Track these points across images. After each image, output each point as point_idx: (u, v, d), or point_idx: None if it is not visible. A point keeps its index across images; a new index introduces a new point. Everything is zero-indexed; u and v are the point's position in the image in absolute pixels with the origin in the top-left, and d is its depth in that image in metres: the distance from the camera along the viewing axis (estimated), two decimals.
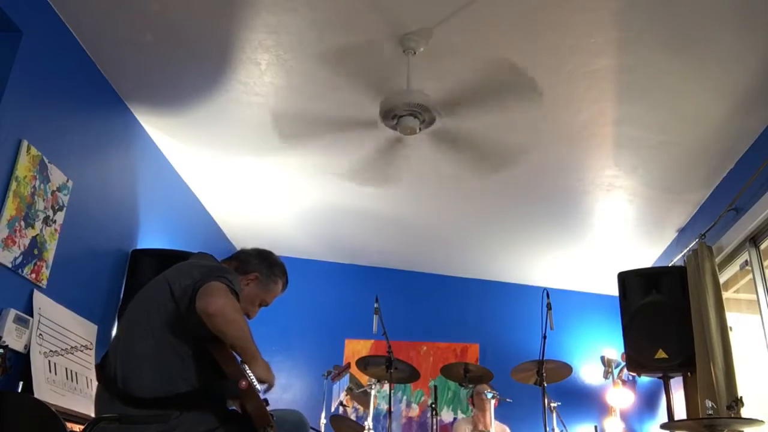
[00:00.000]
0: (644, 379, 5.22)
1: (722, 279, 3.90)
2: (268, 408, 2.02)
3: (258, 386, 2.02)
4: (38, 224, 3.07)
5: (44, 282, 3.12)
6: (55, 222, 3.21)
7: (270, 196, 5.04)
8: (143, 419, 1.91)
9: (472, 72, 3.34)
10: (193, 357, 2.00)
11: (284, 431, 2.16)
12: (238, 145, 4.30)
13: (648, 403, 5.35)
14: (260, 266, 2.37)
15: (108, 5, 3.12)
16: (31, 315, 2.98)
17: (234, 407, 2.09)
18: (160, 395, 1.94)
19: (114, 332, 2.16)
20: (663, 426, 3.39)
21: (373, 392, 4.37)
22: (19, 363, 2.88)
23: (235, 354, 2.01)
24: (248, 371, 1.99)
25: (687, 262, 3.95)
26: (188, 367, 2.00)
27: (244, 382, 1.92)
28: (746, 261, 3.74)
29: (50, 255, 3.17)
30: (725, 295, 3.83)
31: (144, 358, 1.99)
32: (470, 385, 4.38)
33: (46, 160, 3.14)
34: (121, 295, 3.93)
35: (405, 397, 5.74)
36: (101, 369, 2.08)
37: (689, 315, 3.77)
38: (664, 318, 3.90)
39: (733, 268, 3.96)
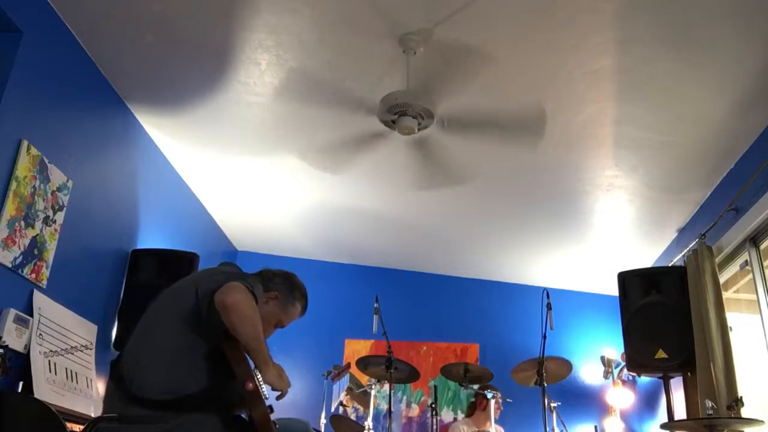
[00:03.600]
0: (644, 379, 5.22)
1: (722, 279, 3.90)
2: (273, 414, 2.02)
3: (265, 391, 2.02)
4: (38, 224, 3.07)
5: (44, 282, 3.12)
6: (55, 222, 3.21)
7: (270, 196, 5.04)
8: (143, 419, 1.91)
9: (472, 72, 3.34)
10: (205, 357, 2.02)
11: None
12: (238, 145, 4.30)
13: (648, 403, 5.35)
14: (281, 287, 2.39)
15: (108, 5, 3.12)
16: (31, 315, 2.98)
17: (242, 415, 2.09)
18: (167, 396, 1.94)
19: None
20: (663, 426, 3.39)
21: (373, 392, 4.37)
22: (19, 363, 2.88)
23: (248, 358, 2.02)
24: (258, 377, 2.00)
25: (687, 262, 3.95)
26: (200, 366, 2.01)
27: (251, 384, 1.93)
28: (746, 261, 3.74)
29: (50, 255, 3.17)
30: (725, 295, 3.83)
31: (156, 353, 2.02)
32: (470, 386, 4.38)
33: (46, 160, 3.14)
34: (121, 295, 3.93)
35: (405, 397, 5.74)
36: (114, 366, 2.10)
37: (689, 315, 3.77)
38: (664, 318, 3.90)
39: (733, 268, 3.96)
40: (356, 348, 5.82)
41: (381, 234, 5.54)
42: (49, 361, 3.03)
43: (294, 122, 3.97)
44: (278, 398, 2.15)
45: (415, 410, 5.71)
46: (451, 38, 3.14)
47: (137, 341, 2.10)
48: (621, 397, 5.22)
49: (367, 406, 4.40)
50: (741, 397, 3.29)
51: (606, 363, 5.27)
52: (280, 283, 2.39)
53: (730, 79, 3.19)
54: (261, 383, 2.01)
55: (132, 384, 1.97)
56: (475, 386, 4.39)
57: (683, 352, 3.74)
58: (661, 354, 3.81)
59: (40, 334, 3.01)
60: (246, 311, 1.96)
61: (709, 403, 3.30)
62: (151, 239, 4.31)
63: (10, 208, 2.87)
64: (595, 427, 5.03)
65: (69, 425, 2.61)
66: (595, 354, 5.54)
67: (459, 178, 4.43)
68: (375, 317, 4.24)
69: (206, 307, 2.01)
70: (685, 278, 3.91)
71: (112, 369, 2.11)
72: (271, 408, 2.01)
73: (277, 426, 2.02)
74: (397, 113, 3.18)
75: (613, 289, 4.33)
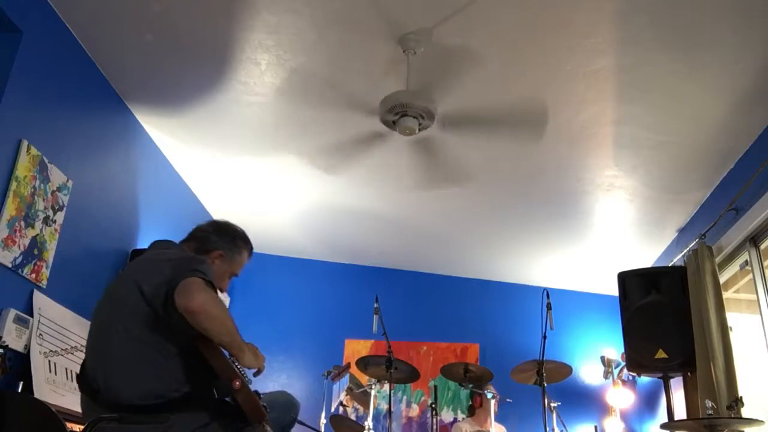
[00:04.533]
0: (644, 379, 5.22)
1: (722, 279, 3.90)
2: (258, 394, 2.01)
3: (248, 376, 2.01)
4: (38, 224, 3.07)
5: (44, 282, 3.12)
6: (55, 222, 3.21)
7: (270, 196, 5.04)
8: (143, 420, 1.91)
9: (472, 72, 3.34)
10: (179, 355, 1.96)
11: (276, 413, 2.15)
12: (238, 145, 4.30)
13: (648, 403, 5.35)
14: (221, 242, 2.29)
15: (108, 5, 3.12)
16: (31, 315, 2.98)
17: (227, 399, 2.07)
18: (151, 402, 1.90)
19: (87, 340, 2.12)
20: (663, 426, 3.39)
21: (373, 392, 4.37)
22: (19, 363, 2.88)
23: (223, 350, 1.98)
24: (237, 365, 1.97)
25: (687, 262, 3.94)
26: (176, 365, 1.96)
27: (237, 382, 1.89)
28: (746, 261, 3.73)
29: (50, 255, 3.17)
30: (725, 295, 3.82)
31: (126, 362, 1.94)
32: (470, 386, 4.38)
33: (46, 160, 3.14)
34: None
35: (405, 397, 5.73)
36: (81, 381, 2.02)
37: (689, 315, 3.77)
38: (664, 318, 3.90)
39: (733, 268, 3.96)
40: (356, 348, 5.81)
41: (381, 234, 5.54)
42: (49, 361, 3.03)
43: (294, 122, 3.97)
44: (255, 375, 2.09)
45: (415, 410, 5.71)
46: (451, 38, 3.14)
47: (99, 354, 2.00)
48: (621, 397, 5.22)
49: (367, 406, 4.40)
50: (741, 397, 3.29)
51: (606, 363, 5.27)
52: (217, 240, 2.28)
53: (730, 79, 3.19)
54: (242, 371, 1.98)
55: (110, 396, 1.91)
56: (472, 386, 4.40)
57: (683, 352, 3.74)
58: (661, 354, 3.81)
59: (40, 334, 3.01)
60: (213, 311, 1.87)
61: (709, 403, 3.30)
62: (150, 239, 4.26)
63: (10, 208, 2.87)
64: (595, 427, 5.02)
65: (69, 425, 2.61)
66: (595, 354, 5.54)
67: (459, 179, 4.43)
68: (375, 317, 4.24)
69: (162, 308, 1.91)
70: (685, 278, 3.91)
71: (80, 384, 2.03)
72: (257, 392, 1.99)
73: (264, 405, 1.97)
74: (398, 113, 3.17)
75: (613, 289, 4.33)
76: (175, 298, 1.85)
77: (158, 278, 1.95)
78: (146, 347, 1.95)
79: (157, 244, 2.27)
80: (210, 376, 1.98)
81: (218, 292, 2.03)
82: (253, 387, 2.00)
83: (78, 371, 2.09)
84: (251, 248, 2.40)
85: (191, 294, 1.85)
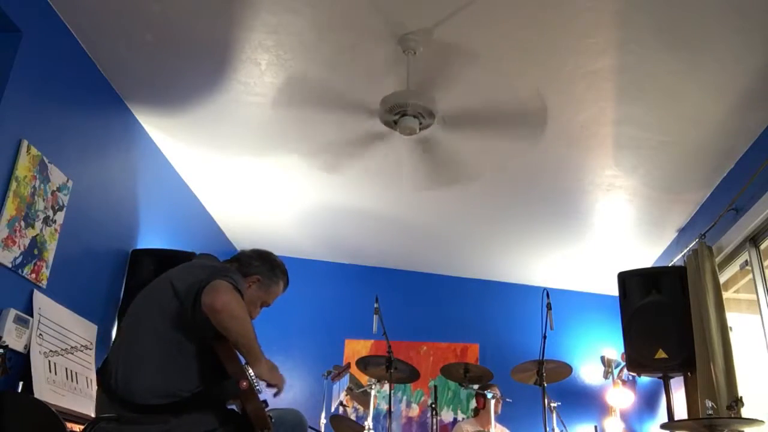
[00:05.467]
0: (644, 379, 5.22)
1: (722, 279, 3.90)
2: (267, 408, 2.02)
3: (259, 386, 2.02)
4: (38, 224, 3.07)
5: (44, 282, 3.12)
6: (55, 222, 3.21)
7: (270, 196, 5.04)
8: (142, 420, 1.91)
9: (473, 72, 3.34)
10: (196, 355, 2.01)
11: (283, 430, 2.16)
12: (238, 145, 4.30)
13: (648, 403, 5.35)
14: (261, 268, 2.38)
15: (108, 5, 3.12)
16: (31, 315, 2.98)
17: (234, 407, 2.09)
18: (162, 401, 1.93)
19: (114, 336, 2.13)
20: (663, 426, 3.39)
21: (373, 392, 4.37)
22: (19, 363, 2.88)
23: (240, 355, 2.01)
24: (250, 372, 2.00)
25: (687, 262, 3.94)
26: (191, 365, 2.00)
27: (245, 383, 1.93)
28: (746, 261, 3.74)
29: (50, 255, 3.17)
30: (725, 295, 3.83)
31: (146, 357, 2.00)
32: (471, 386, 4.38)
33: (46, 160, 3.14)
34: (121, 295, 3.93)
35: (405, 397, 5.74)
36: (101, 374, 2.07)
37: (689, 315, 3.77)
38: (664, 318, 3.90)
39: (733, 268, 3.96)
40: (356, 348, 5.82)
41: (381, 234, 5.54)
42: (49, 361, 3.03)
43: (294, 122, 3.96)
44: (275, 395, 2.13)
45: (415, 410, 5.71)
46: (451, 38, 3.14)
47: (123, 348, 2.07)
48: (621, 397, 5.22)
49: (367, 406, 4.40)
50: (741, 397, 3.29)
51: (606, 363, 5.28)
52: (259, 265, 2.38)
53: (730, 79, 3.19)
54: (254, 379, 2.00)
55: (125, 391, 1.96)
56: (475, 386, 4.39)
57: (683, 352, 3.74)
58: (661, 354, 3.81)
59: (40, 334, 3.01)
60: (236, 312, 1.94)
61: (709, 403, 3.30)
62: (150, 239, 4.31)
63: (10, 208, 2.87)
64: (595, 427, 5.03)
65: (69, 425, 2.61)
66: (595, 354, 5.54)
67: (459, 179, 4.43)
68: (375, 317, 4.25)
69: (191, 307, 1.99)
70: (685, 278, 3.91)
71: (99, 376, 2.09)
72: (265, 402, 2.01)
73: (272, 419, 2.01)
74: (398, 113, 3.17)
75: (613, 289, 4.33)
76: (201, 296, 1.94)
77: (192, 279, 2.05)
78: (169, 344, 2.01)
79: (201, 255, 2.42)
80: (222, 377, 2.00)
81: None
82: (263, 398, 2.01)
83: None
84: (287, 281, 2.49)
85: (217, 293, 1.93)
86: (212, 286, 1.95)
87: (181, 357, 2.00)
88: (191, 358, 2.01)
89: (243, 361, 2.02)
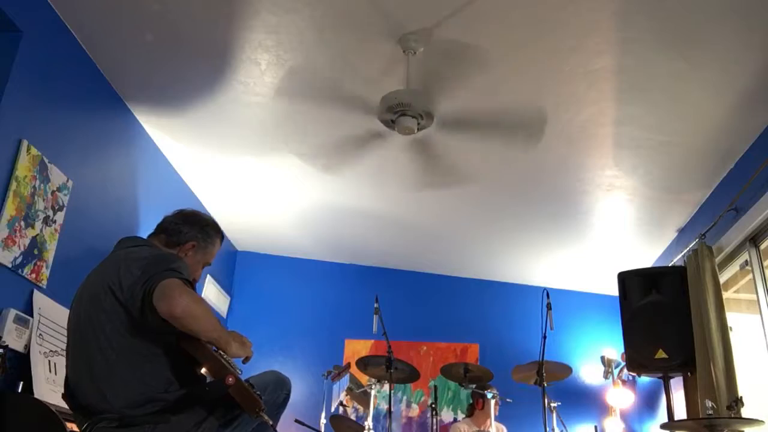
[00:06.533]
0: (644, 379, 5.22)
1: (722, 279, 3.90)
2: (248, 381, 1.99)
3: (235, 364, 2.00)
4: (38, 224, 3.07)
5: (44, 282, 3.12)
6: (55, 222, 3.21)
7: (270, 196, 5.04)
8: (143, 420, 1.90)
9: (472, 72, 3.34)
10: (165, 355, 1.93)
11: (268, 394, 2.12)
12: (238, 145, 4.30)
13: (648, 403, 5.35)
14: (193, 232, 2.25)
15: (108, 5, 3.12)
16: (31, 315, 2.98)
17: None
18: (147, 409, 1.87)
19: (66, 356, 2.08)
20: (663, 426, 3.39)
21: (373, 392, 4.37)
22: (19, 363, 2.88)
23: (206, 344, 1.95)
24: (225, 357, 1.96)
25: (687, 262, 3.94)
26: (163, 366, 1.92)
27: (230, 378, 1.86)
28: (746, 261, 3.73)
29: (50, 255, 3.17)
30: (725, 295, 3.82)
31: (113, 375, 1.89)
32: (471, 386, 4.38)
33: (46, 160, 3.14)
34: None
35: (405, 397, 5.73)
36: (70, 398, 1.97)
37: (689, 315, 3.77)
38: (664, 318, 3.90)
39: (733, 268, 3.96)
40: (356, 348, 5.81)
41: (381, 234, 5.54)
42: (49, 361, 3.03)
43: (294, 122, 3.96)
44: (244, 362, 2.07)
45: (415, 410, 5.71)
46: (450, 38, 3.14)
47: (82, 371, 1.94)
48: (621, 397, 5.22)
49: (367, 406, 4.40)
50: (741, 397, 3.29)
51: (606, 363, 5.27)
52: (189, 230, 2.24)
53: (730, 79, 3.19)
54: (230, 362, 1.96)
55: (106, 406, 1.88)
56: (473, 386, 4.39)
57: (683, 352, 3.74)
58: (661, 354, 3.81)
59: (40, 334, 3.01)
60: (197, 312, 1.83)
61: (709, 403, 3.30)
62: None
63: (10, 208, 2.87)
64: (595, 427, 5.03)
65: (69, 425, 2.61)
66: (595, 354, 5.54)
67: (459, 179, 4.43)
68: (375, 317, 4.24)
69: (139, 312, 1.87)
70: (685, 278, 3.91)
71: (69, 401, 1.97)
72: (248, 381, 1.97)
73: (254, 387, 1.94)
74: (397, 113, 3.17)
75: (613, 289, 4.33)
76: (155, 304, 1.80)
77: (130, 280, 1.90)
78: (129, 353, 1.90)
79: (124, 242, 2.20)
80: (197, 370, 1.96)
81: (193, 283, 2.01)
82: (243, 376, 1.98)
83: (63, 388, 2.04)
84: (222, 236, 2.38)
85: (173, 299, 1.79)
86: (162, 290, 1.81)
87: (148, 362, 1.91)
88: (159, 359, 1.92)
89: (214, 348, 1.95)
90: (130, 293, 1.89)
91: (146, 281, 1.86)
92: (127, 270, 1.94)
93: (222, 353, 1.96)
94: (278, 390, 2.23)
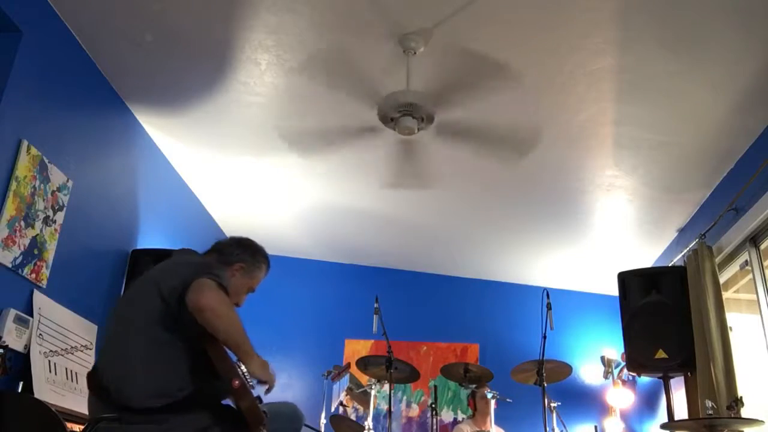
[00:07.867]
0: (644, 379, 5.22)
1: (722, 279, 3.90)
2: (262, 404, 2.02)
3: (252, 382, 2.01)
4: (38, 224, 3.07)
5: (44, 282, 3.12)
6: (55, 222, 3.21)
7: (270, 196, 5.04)
8: (143, 420, 1.91)
9: (472, 72, 3.34)
10: (186, 354, 2.00)
11: (279, 424, 2.16)
12: (238, 145, 4.30)
13: (648, 403, 5.35)
14: (243, 256, 2.38)
15: (108, 5, 3.12)
16: (31, 315, 2.98)
17: (229, 402, 2.08)
18: (158, 403, 1.92)
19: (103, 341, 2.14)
20: (663, 426, 3.39)
21: (373, 392, 4.36)
22: (19, 363, 2.88)
23: (229, 353, 2.00)
24: (242, 368, 1.98)
25: (687, 262, 3.94)
26: (182, 364, 2.00)
27: (236, 382, 1.91)
28: (746, 261, 3.73)
29: (50, 255, 3.17)
30: (725, 295, 3.83)
31: (137, 360, 1.98)
32: (470, 386, 4.38)
33: (46, 160, 3.14)
34: (121, 295, 3.93)
35: (405, 397, 5.73)
36: (92, 379, 2.06)
37: (689, 315, 3.77)
38: (664, 318, 3.90)
39: (733, 268, 3.96)
40: (356, 348, 5.81)
41: (381, 234, 5.54)
42: (49, 361, 3.03)
43: (294, 122, 3.96)
44: (266, 392, 2.11)
45: (415, 410, 5.71)
46: (451, 38, 3.14)
47: (112, 353, 2.07)
48: (621, 397, 5.22)
49: (367, 406, 4.40)
50: (741, 397, 3.29)
51: (606, 363, 5.28)
52: (240, 253, 2.38)
53: (730, 79, 3.19)
54: (246, 375, 1.99)
55: (118, 395, 1.95)
56: (473, 386, 4.39)
57: (683, 352, 3.74)
58: (661, 354, 3.81)
59: (40, 334, 3.01)
60: (221, 310, 1.93)
61: (709, 403, 3.30)
62: (150, 239, 4.30)
63: (10, 208, 2.87)
64: (595, 427, 5.02)
65: (69, 425, 2.61)
66: (595, 354, 5.54)
67: (459, 179, 4.43)
68: (375, 317, 4.24)
69: (176, 306, 1.98)
70: (685, 278, 3.91)
71: (90, 381, 2.07)
72: (259, 398, 2.00)
73: (267, 413, 2.00)
74: (401, 112, 3.17)
75: (613, 289, 4.33)
76: (186, 295, 1.93)
77: (176, 279, 2.03)
78: (158, 346, 2.00)
79: (180, 251, 2.41)
80: (213, 378, 1.99)
81: (235, 306, 2.11)
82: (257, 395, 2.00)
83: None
84: (269, 265, 2.50)
85: (202, 291, 1.92)
86: (195, 285, 1.94)
87: (173, 357, 1.99)
88: (182, 358, 2.00)
89: (235, 358, 2.00)
90: (172, 289, 2.01)
91: (187, 279, 1.99)
92: (174, 271, 2.10)
93: (242, 368, 1.99)
94: (288, 423, 2.28)
